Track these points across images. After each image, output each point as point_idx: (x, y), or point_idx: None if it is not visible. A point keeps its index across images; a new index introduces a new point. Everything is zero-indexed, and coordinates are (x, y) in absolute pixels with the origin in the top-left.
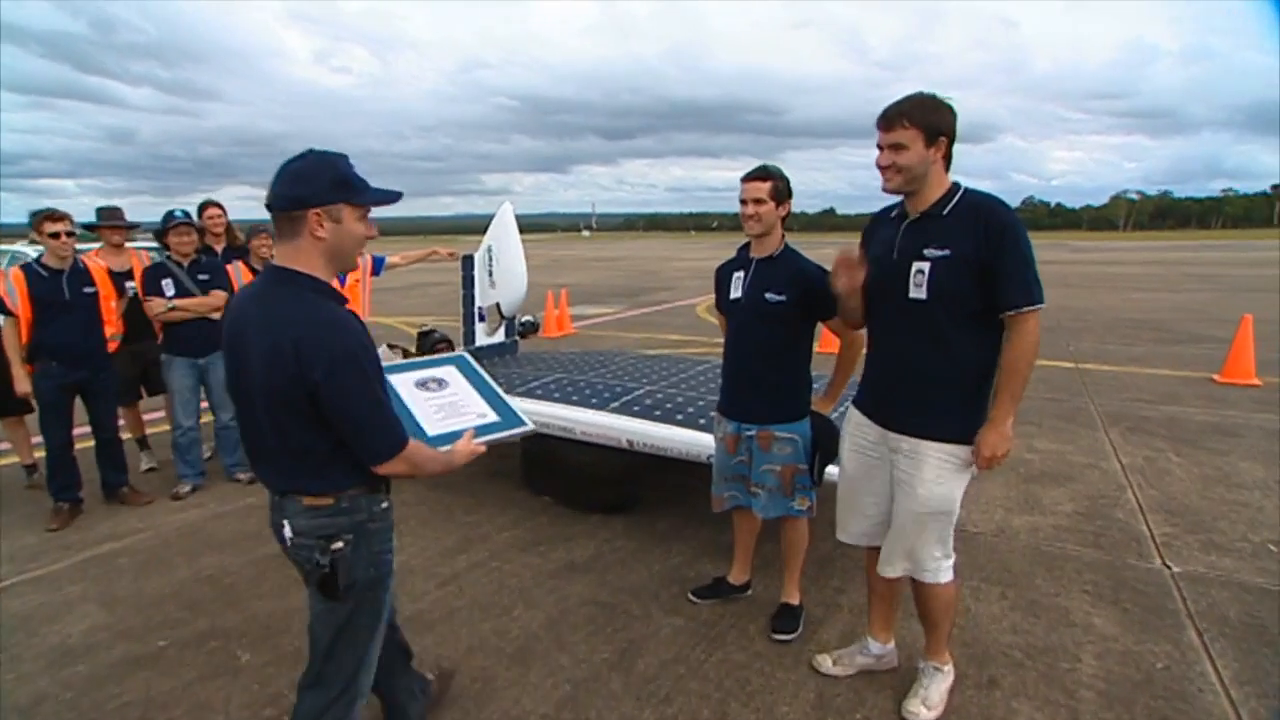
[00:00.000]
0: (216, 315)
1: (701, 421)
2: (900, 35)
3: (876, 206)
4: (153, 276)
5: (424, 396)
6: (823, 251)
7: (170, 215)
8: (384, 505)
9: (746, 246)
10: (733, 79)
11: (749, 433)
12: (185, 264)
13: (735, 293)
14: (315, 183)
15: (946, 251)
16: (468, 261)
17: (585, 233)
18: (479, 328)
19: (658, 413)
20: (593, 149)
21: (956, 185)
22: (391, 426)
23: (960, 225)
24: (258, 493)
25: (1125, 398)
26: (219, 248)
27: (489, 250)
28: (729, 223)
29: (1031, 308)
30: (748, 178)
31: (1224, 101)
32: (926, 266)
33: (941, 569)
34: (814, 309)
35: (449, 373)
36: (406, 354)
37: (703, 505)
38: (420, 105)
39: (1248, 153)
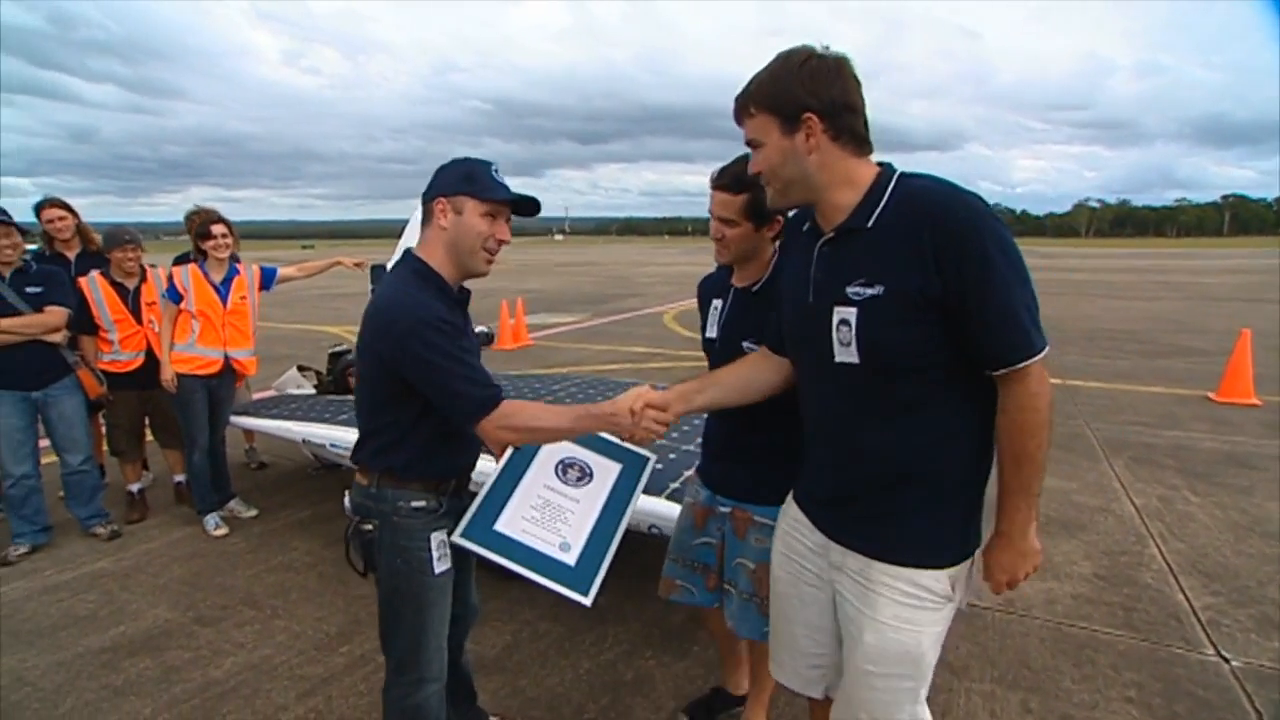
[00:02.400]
0: (54, 338)
1: None
2: (867, 44)
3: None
4: None
5: (546, 481)
6: None
7: None
8: (416, 504)
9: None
10: (706, 84)
11: (723, 508)
12: (6, 274)
13: (711, 329)
14: (447, 175)
15: (877, 289)
16: (379, 271)
17: (558, 237)
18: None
19: None
20: (566, 153)
21: (885, 174)
22: (476, 385)
23: (895, 240)
24: (114, 552)
25: (1122, 420)
26: (71, 255)
27: None
28: (703, 227)
29: (1032, 359)
30: (716, 185)
31: (1175, 114)
32: (852, 314)
33: None
34: None
35: (607, 469)
36: (319, 376)
37: (648, 574)
38: (392, 107)
39: (1198, 164)
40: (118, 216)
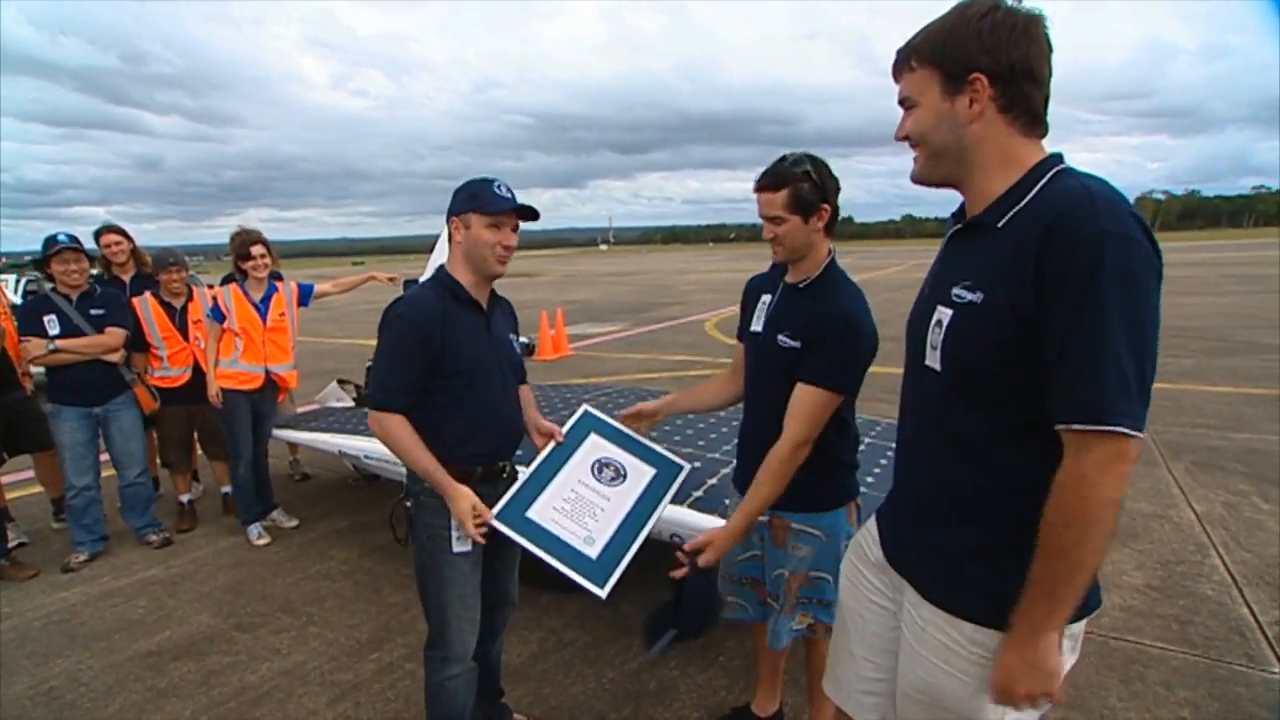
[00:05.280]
0: (113, 357)
1: None
2: None
3: (896, 214)
4: (32, 312)
5: (580, 477)
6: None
7: (52, 240)
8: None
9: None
10: (745, 91)
11: (762, 518)
12: (74, 297)
13: (757, 323)
14: (457, 197)
15: (977, 296)
16: (411, 286)
17: (603, 247)
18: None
19: None
20: (608, 164)
21: (1045, 166)
22: (380, 384)
23: (1011, 245)
24: (164, 560)
25: (1185, 422)
26: (126, 278)
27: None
28: (746, 233)
29: (1100, 427)
30: (757, 187)
31: (1247, 98)
32: (947, 316)
33: None
34: (804, 360)
35: (640, 471)
36: (359, 390)
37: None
38: (436, 125)
39: (1275, 149)
40: (182, 239)
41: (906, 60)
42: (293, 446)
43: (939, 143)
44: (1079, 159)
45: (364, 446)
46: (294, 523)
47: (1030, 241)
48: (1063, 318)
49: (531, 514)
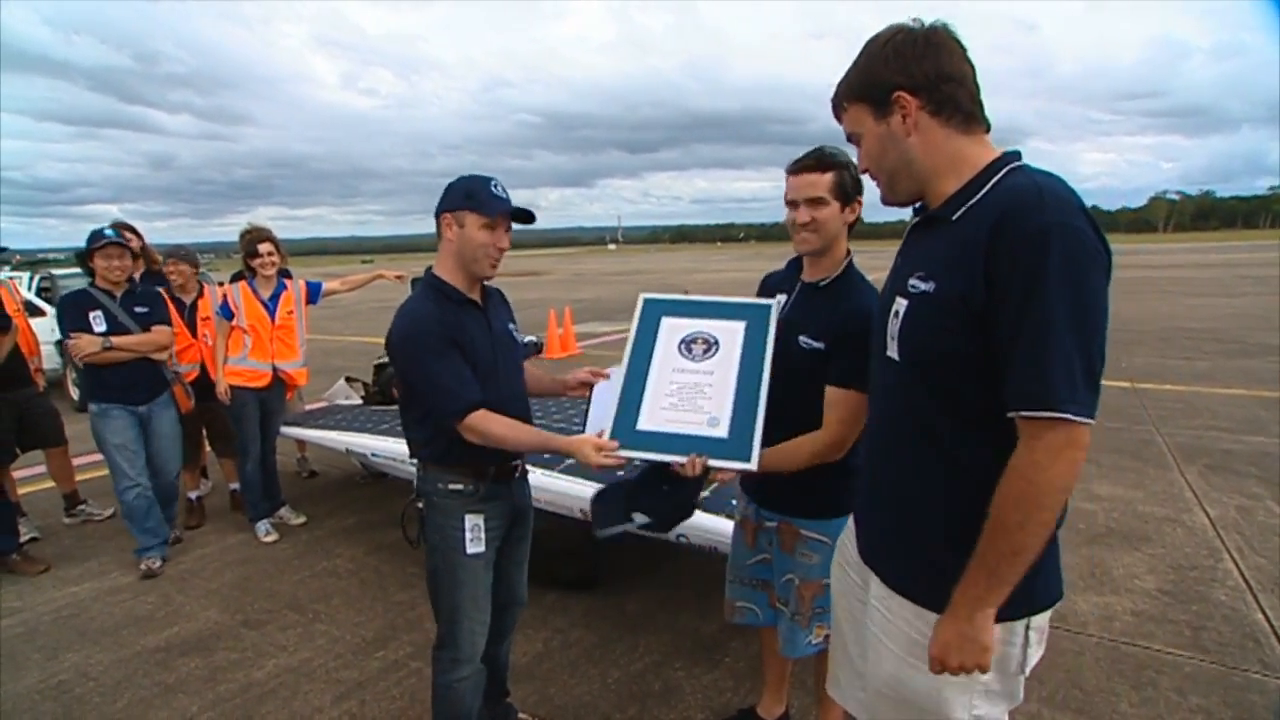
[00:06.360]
0: (160, 355)
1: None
2: None
3: (904, 213)
4: (76, 308)
5: (674, 365)
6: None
7: (98, 234)
8: (453, 487)
9: (799, 260)
10: (753, 90)
11: (770, 523)
12: (117, 294)
13: None
14: (451, 193)
15: (929, 286)
16: (418, 285)
17: (611, 246)
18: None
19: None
20: (616, 163)
21: (999, 163)
22: (446, 396)
23: (964, 238)
24: (173, 556)
25: (1198, 425)
26: (136, 274)
27: None
28: (755, 233)
29: (1050, 414)
30: (798, 168)
31: (1262, 97)
32: (903, 307)
33: None
34: (832, 362)
35: (730, 331)
36: (366, 387)
37: (682, 581)
38: (445, 124)
39: None
40: (193, 237)
41: (839, 104)
42: (300, 444)
43: (890, 164)
44: (1091, 159)
45: (371, 444)
46: (301, 520)
47: (980, 236)
48: (1012, 309)
49: (642, 425)
